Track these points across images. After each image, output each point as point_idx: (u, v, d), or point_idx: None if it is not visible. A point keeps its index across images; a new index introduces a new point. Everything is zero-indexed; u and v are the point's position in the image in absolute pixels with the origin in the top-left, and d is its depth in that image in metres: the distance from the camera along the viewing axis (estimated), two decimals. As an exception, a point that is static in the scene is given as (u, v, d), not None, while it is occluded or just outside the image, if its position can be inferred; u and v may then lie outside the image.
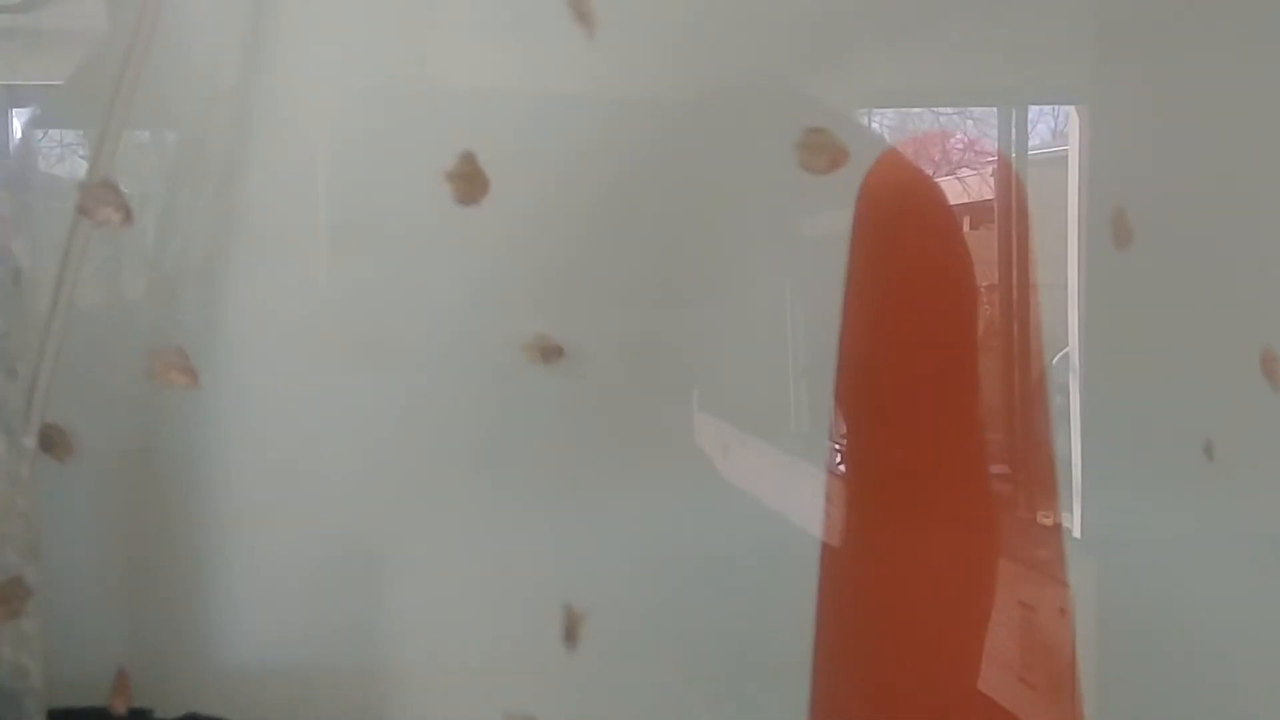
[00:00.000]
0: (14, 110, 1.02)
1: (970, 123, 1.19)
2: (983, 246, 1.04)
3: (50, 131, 1.03)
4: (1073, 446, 1.07)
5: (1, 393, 0.86)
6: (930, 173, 1.03)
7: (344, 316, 0.97)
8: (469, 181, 0.89)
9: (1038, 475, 0.99)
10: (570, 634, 0.92)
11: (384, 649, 0.94)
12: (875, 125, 1.12)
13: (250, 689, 0.90)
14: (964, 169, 1.15)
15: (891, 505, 0.93)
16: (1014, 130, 1.14)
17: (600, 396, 0.99)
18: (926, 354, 0.94)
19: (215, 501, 0.94)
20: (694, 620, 0.94)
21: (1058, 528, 0.98)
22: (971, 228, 1.05)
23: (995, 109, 1.14)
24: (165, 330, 0.96)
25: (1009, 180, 1.02)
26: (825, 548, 0.93)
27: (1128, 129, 1.08)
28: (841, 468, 0.96)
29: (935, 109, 1.14)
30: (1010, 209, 1.02)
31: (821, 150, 0.84)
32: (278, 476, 0.95)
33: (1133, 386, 1.08)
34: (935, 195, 0.98)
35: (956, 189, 1.15)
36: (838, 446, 0.96)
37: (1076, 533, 1.04)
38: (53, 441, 0.87)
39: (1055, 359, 1.08)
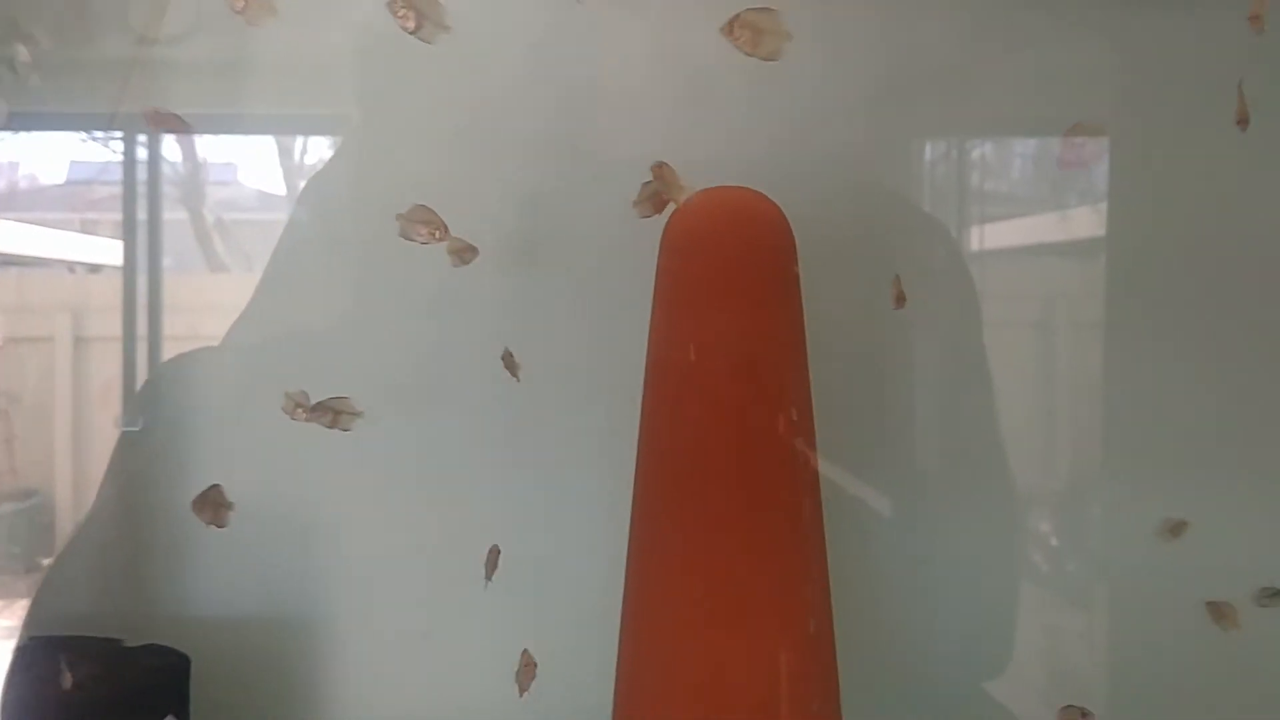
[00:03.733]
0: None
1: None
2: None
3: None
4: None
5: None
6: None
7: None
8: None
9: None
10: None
11: (324, 603, 1.09)
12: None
13: (209, 634, 1.07)
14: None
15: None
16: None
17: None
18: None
19: (190, 471, 1.08)
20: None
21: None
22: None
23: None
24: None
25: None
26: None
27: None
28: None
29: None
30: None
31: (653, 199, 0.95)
32: (240, 450, 1.09)
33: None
34: (722, 246, 0.91)
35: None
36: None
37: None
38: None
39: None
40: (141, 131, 1.17)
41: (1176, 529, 1.09)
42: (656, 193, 0.95)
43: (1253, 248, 1.12)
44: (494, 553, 0.99)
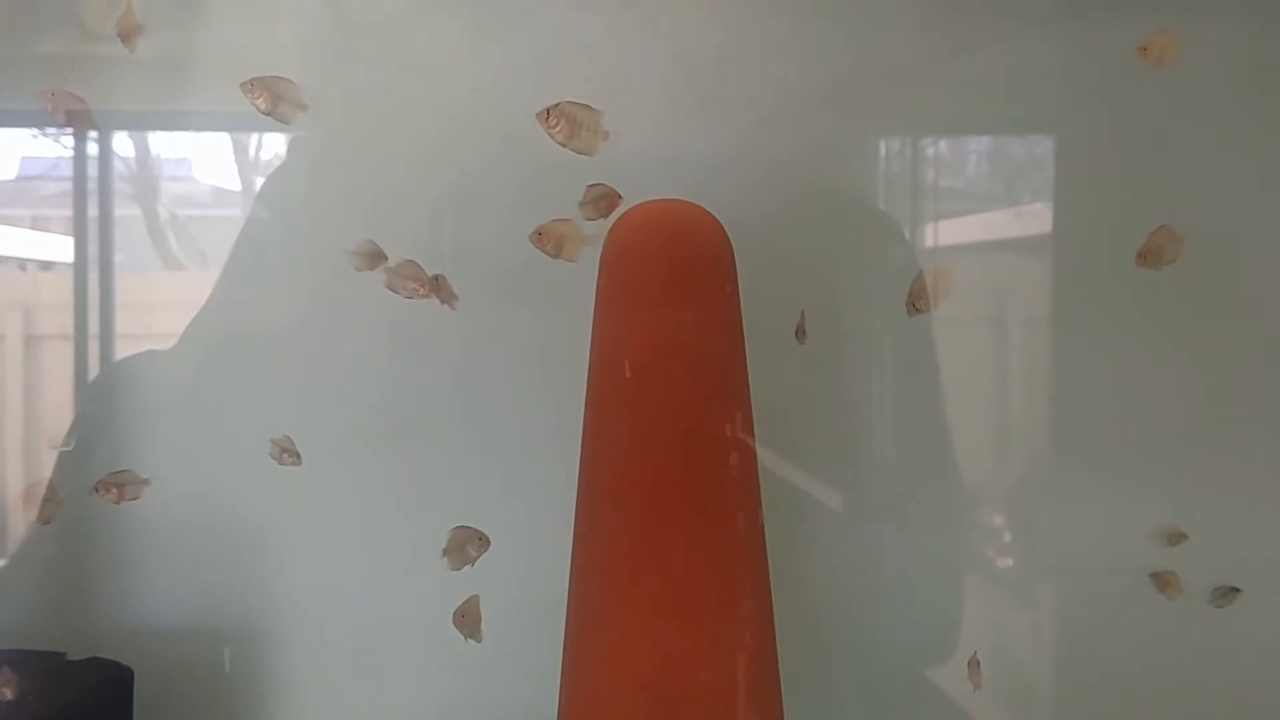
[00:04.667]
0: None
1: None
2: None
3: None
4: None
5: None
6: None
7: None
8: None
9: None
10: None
11: (266, 614, 1.10)
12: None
13: (151, 645, 1.07)
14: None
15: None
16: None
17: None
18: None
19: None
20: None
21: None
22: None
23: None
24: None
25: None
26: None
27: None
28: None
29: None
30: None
31: (599, 199, 0.97)
32: (180, 461, 1.10)
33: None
34: (662, 254, 0.92)
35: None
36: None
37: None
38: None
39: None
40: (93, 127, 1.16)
41: (1176, 538, 1.10)
42: (602, 196, 0.96)
43: (1196, 244, 1.14)
44: (466, 540, 0.98)
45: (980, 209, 1.23)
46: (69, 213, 1.28)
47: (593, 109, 0.92)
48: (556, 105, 0.93)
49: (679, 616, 0.89)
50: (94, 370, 1.17)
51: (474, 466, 1.10)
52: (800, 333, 1.07)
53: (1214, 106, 1.14)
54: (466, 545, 0.95)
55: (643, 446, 0.90)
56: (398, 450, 1.10)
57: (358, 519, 1.10)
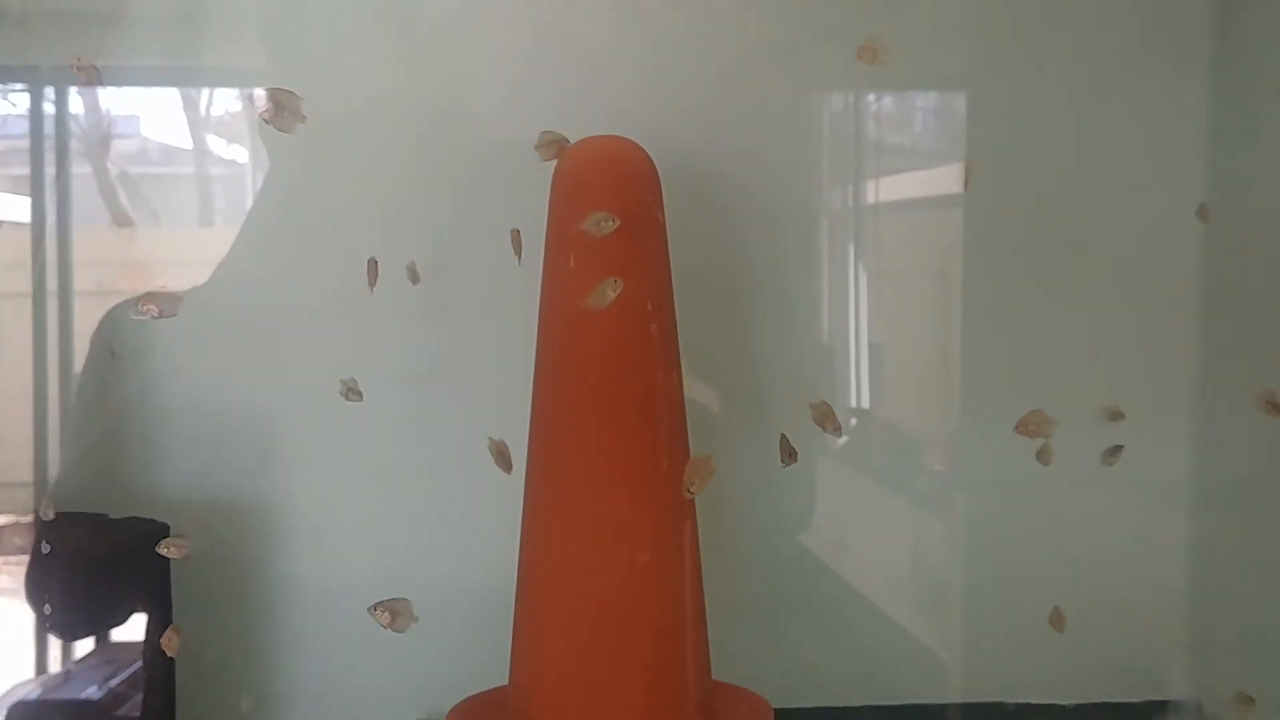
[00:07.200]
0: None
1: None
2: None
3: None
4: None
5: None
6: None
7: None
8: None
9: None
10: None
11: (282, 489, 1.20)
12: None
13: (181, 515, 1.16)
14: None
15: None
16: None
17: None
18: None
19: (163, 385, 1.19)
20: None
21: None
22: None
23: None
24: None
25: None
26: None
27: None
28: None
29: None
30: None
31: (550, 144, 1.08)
32: (203, 357, 1.19)
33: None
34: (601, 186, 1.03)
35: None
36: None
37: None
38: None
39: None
40: (48, 84, 1.15)
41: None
42: (553, 141, 1.07)
43: (1107, 200, 1.21)
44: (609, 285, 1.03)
45: (924, 165, 1.28)
46: (15, 171, 1.27)
47: (295, 95, 1.00)
48: (271, 91, 1.02)
49: (622, 483, 1.02)
50: (53, 327, 1.19)
51: (447, 375, 1.19)
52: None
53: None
54: (608, 290, 1.00)
55: (578, 335, 1.03)
56: (387, 355, 1.17)
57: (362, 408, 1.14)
